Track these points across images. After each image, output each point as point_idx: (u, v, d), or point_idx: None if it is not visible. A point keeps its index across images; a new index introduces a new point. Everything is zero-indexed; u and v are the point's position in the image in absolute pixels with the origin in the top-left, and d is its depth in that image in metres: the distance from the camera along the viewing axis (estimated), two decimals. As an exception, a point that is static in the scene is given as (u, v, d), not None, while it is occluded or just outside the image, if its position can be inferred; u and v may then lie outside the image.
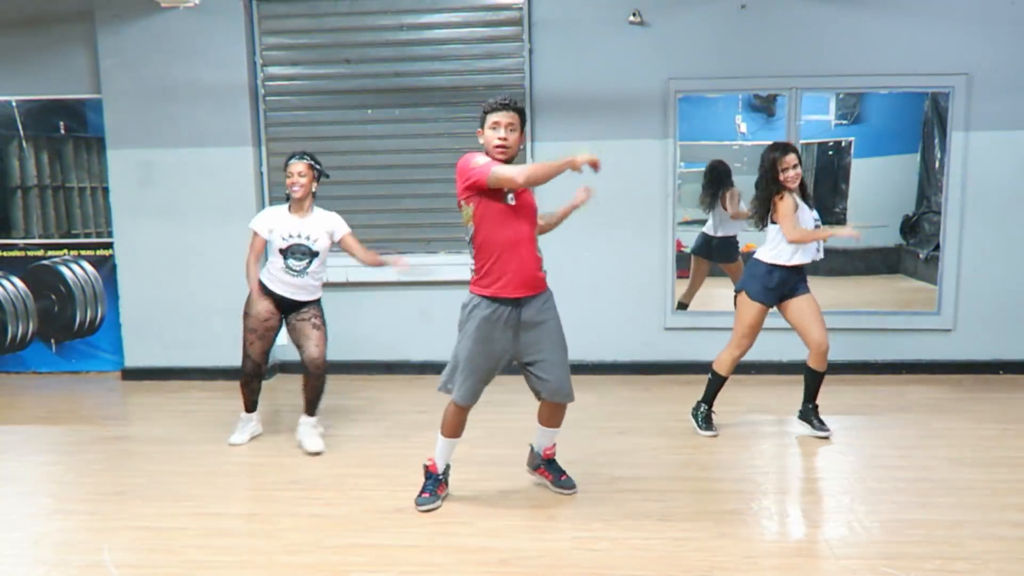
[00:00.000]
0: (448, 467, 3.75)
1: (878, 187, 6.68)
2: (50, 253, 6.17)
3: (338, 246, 4.47)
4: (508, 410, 4.82)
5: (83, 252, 6.17)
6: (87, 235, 6.21)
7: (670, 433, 4.62)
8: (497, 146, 3.39)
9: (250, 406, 4.63)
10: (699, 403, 4.65)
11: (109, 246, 6.05)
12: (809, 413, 4.58)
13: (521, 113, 3.45)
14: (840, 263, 6.28)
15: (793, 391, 5.16)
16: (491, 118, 3.40)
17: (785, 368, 5.54)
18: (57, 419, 5.21)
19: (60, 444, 4.76)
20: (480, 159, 3.37)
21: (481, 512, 3.61)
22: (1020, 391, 5.35)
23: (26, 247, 6.19)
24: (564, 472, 3.84)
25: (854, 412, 4.92)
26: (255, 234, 4.41)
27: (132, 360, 6.05)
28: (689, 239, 6.34)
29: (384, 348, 5.99)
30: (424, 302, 5.88)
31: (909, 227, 6.40)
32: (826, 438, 4.47)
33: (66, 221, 6.25)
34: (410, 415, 4.92)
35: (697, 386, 5.52)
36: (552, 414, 3.71)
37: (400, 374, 5.93)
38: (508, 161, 3.41)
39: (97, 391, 5.89)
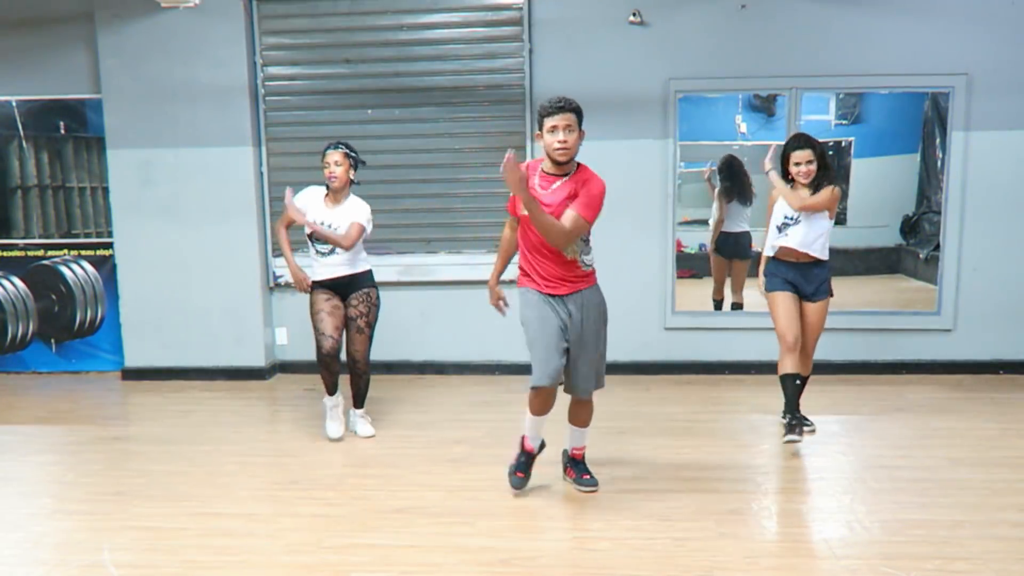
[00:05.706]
0: (543, 444, 3.84)
1: (878, 187, 6.68)
2: (50, 253, 6.17)
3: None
4: (508, 410, 4.83)
5: (83, 252, 6.17)
6: (87, 235, 6.22)
7: (670, 433, 4.62)
8: (557, 148, 3.42)
9: (332, 388, 4.55)
10: (783, 412, 4.45)
11: (109, 246, 6.05)
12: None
13: (578, 112, 3.45)
14: (840, 263, 6.23)
15: (793, 391, 5.18)
16: (549, 122, 3.42)
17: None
18: (57, 419, 5.21)
19: (60, 444, 4.76)
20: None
21: (481, 512, 3.61)
22: (1020, 391, 5.35)
23: (26, 247, 6.19)
24: (588, 472, 3.87)
25: (854, 412, 4.91)
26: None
27: (132, 360, 6.05)
28: (690, 239, 6.33)
29: (384, 348, 5.96)
30: (424, 303, 5.88)
31: (909, 227, 6.40)
32: (811, 431, 4.41)
33: (66, 221, 6.25)
34: (410, 415, 4.91)
35: (697, 386, 5.55)
36: (576, 411, 3.79)
37: (400, 374, 5.92)
38: (568, 161, 3.48)
39: (97, 391, 5.89)
